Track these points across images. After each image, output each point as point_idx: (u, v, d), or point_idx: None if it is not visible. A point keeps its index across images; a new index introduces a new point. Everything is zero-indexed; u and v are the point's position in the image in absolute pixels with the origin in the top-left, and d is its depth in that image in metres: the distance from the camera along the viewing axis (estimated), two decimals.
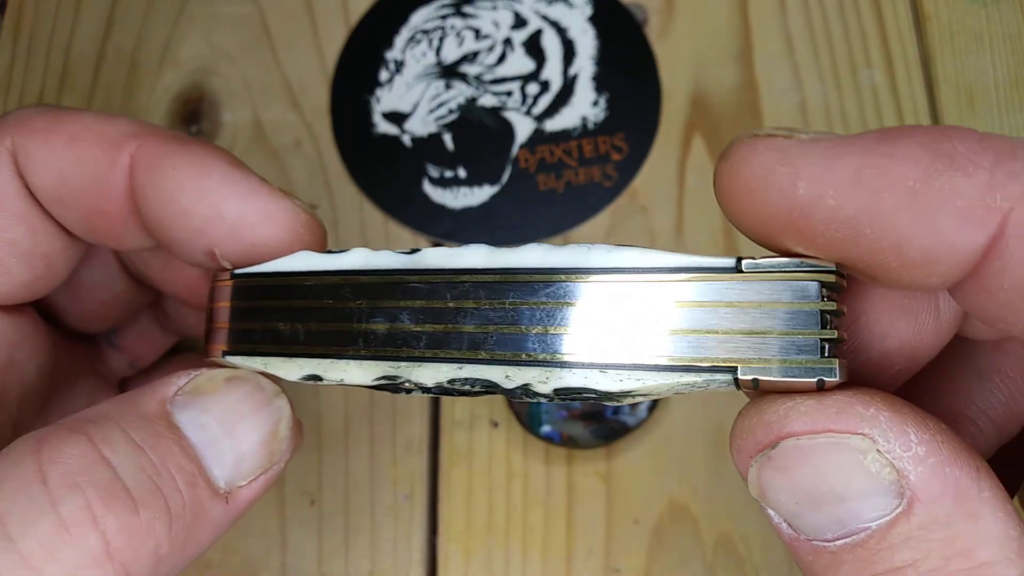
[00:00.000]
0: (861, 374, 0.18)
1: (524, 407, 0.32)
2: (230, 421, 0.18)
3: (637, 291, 0.16)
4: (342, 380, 0.18)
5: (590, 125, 0.36)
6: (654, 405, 0.32)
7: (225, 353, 0.19)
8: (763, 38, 0.37)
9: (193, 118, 0.37)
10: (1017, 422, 0.20)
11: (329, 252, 0.18)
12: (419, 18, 0.38)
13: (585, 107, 0.36)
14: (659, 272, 0.16)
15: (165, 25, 0.38)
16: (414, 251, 0.18)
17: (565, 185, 0.35)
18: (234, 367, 0.19)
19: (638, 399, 0.16)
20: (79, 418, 0.17)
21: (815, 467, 0.14)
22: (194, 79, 0.37)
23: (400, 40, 0.37)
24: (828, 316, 0.15)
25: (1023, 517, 0.15)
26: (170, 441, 0.17)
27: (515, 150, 0.36)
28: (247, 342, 0.19)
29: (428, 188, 0.36)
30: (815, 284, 0.15)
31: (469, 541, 0.31)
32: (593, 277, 0.16)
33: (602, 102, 0.36)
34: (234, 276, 0.19)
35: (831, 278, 0.15)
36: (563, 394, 0.16)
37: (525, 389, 0.16)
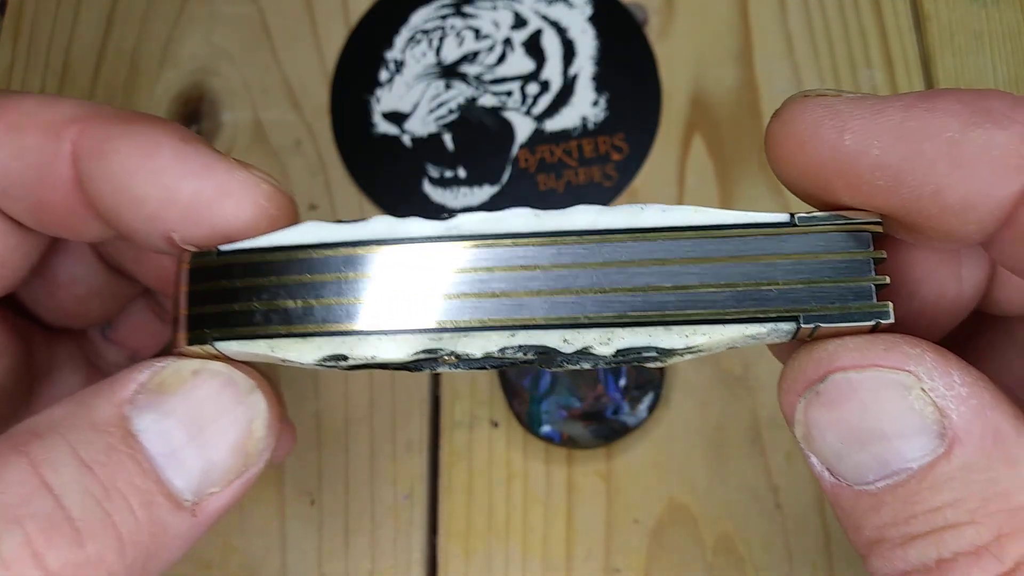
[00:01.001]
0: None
1: (524, 407, 0.32)
2: (197, 424, 0.17)
3: (694, 247, 0.16)
4: (373, 357, 0.17)
5: (590, 125, 0.36)
6: (654, 405, 0.32)
7: (215, 339, 0.17)
8: (763, 38, 0.37)
9: (193, 118, 0.37)
10: None
11: (341, 222, 0.17)
12: (419, 18, 0.38)
13: (585, 107, 0.36)
14: (715, 229, 0.16)
15: (165, 25, 0.38)
16: (447, 216, 0.17)
17: (565, 185, 0.35)
18: (208, 356, 0.17)
19: (698, 355, 0.16)
20: (28, 430, 0.16)
21: (861, 401, 0.15)
22: (194, 79, 0.37)
23: (400, 40, 0.37)
24: (877, 263, 0.16)
25: None
26: (124, 456, 0.16)
27: (515, 150, 0.36)
28: (244, 324, 0.17)
29: (428, 188, 0.36)
30: (866, 234, 0.16)
31: (469, 541, 0.31)
32: (650, 236, 0.16)
33: (602, 102, 0.36)
34: (221, 253, 0.17)
35: (878, 228, 0.16)
36: (624, 354, 0.16)
37: (584, 352, 0.16)
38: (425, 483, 0.32)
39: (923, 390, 0.15)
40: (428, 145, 0.36)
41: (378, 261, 0.17)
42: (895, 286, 0.17)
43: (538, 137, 0.36)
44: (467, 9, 0.38)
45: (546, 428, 0.32)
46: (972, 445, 0.14)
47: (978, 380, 0.15)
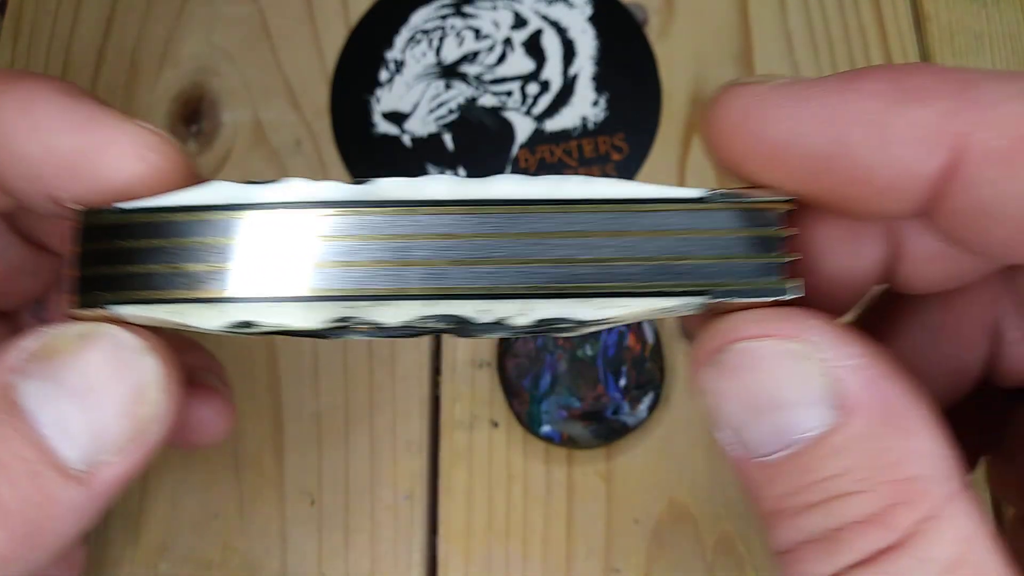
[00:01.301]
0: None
1: (524, 407, 0.32)
2: (84, 388, 0.16)
3: (612, 220, 0.16)
4: (282, 325, 0.16)
5: (590, 125, 0.36)
6: (654, 405, 0.32)
7: (109, 303, 0.16)
8: (763, 38, 0.37)
9: (193, 118, 0.37)
10: (967, 378, 0.21)
11: (251, 183, 0.16)
12: (419, 18, 0.38)
13: (585, 107, 0.36)
14: (634, 203, 0.16)
15: (165, 25, 0.38)
16: (363, 180, 0.16)
17: None
18: (97, 320, 0.16)
19: (612, 325, 0.17)
20: None
21: (759, 370, 0.15)
22: (194, 79, 0.37)
23: (400, 40, 0.37)
24: (786, 240, 0.16)
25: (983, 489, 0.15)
26: (6, 425, 0.15)
27: (515, 150, 0.36)
28: (143, 288, 0.16)
29: None
30: (776, 212, 0.16)
31: (469, 541, 0.31)
32: (569, 207, 0.16)
33: (602, 102, 0.36)
34: (119, 211, 0.16)
35: (789, 206, 0.16)
36: (539, 324, 0.16)
37: (499, 323, 0.16)
38: (425, 483, 0.32)
39: (819, 360, 0.15)
40: (428, 145, 0.36)
41: (289, 224, 0.16)
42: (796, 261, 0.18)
43: (538, 137, 0.36)
44: (467, 9, 0.38)
45: (546, 428, 0.32)
46: (864, 416, 0.15)
47: (873, 353, 0.15)
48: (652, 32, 0.37)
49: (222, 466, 0.32)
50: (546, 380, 0.32)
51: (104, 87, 0.37)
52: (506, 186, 0.16)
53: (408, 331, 0.16)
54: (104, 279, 0.16)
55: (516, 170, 0.36)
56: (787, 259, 0.16)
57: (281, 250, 0.16)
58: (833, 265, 0.18)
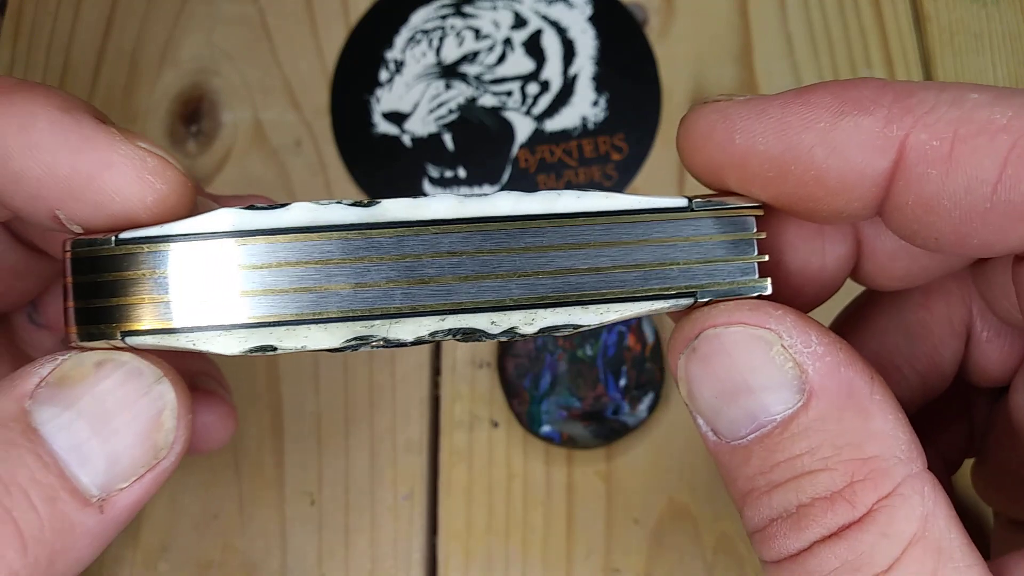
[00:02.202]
0: None
1: (524, 407, 0.32)
2: (101, 416, 0.16)
3: (605, 231, 0.17)
4: (303, 347, 0.16)
5: (590, 125, 0.36)
6: (654, 405, 0.32)
7: (124, 335, 0.16)
8: (763, 38, 0.37)
9: (193, 118, 0.37)
10: (940, 376, 0.22)
11: (255, 208, 0.16)
12: (419, 18, 0.38)
13: (585, 107, 0.36)
14: (624, 214, 0.17)
15: (165, 25, 0.38)
16: (370, 203, 0.16)
17: (565, 185, 0.35)
18: (112, 348, 0.16)
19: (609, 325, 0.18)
20: None
21: (729, 355, 0.17)
22: (194, 79, 0.37)
23: (400, 40, 0.37)
24: (759, 243, 0.18)
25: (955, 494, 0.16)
26: (24, 450, 0.15)
27: (515, 150, 0.36)
28: (158, 318, 0.16)
29: (428, 188, 0.36)
30: (752, 218, 0.18)
31: (469, 541, 0.31)
32: (566, 221, 0.17)
33: (602, 102, 0.36)
34: (120, 242, 0.16)
35: (758, 212, 0.18)
36: (545, 331, 0.17)
37: (510, 332, 0.17)
38: (425, 483, 0.32)
39: (783, 346, 0.16)
40: (428, 145, 0.36)
41: (300, 249, 0.16)
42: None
43: (538, 137, 0.36)
44: (467, 9, 0.38)
45: (546, 428, 0.32)
46: (827, 398, 0.16)
47: (835, 341, 0.16)
48: (652, 32, 0.37)
49: (222, 466, 0.32)
50: (546, 380, 0.32)
51: (104, 87, 0.37)
52: (505, 202, 0.17)
53: (422, 342, 0.17)
54: (117, 310, 0.16)
55: (516, 170, 0.36)
56: (760, 259, 0.18)
57: (291, 276, 0.16)
58: (801, 263, 0.19)
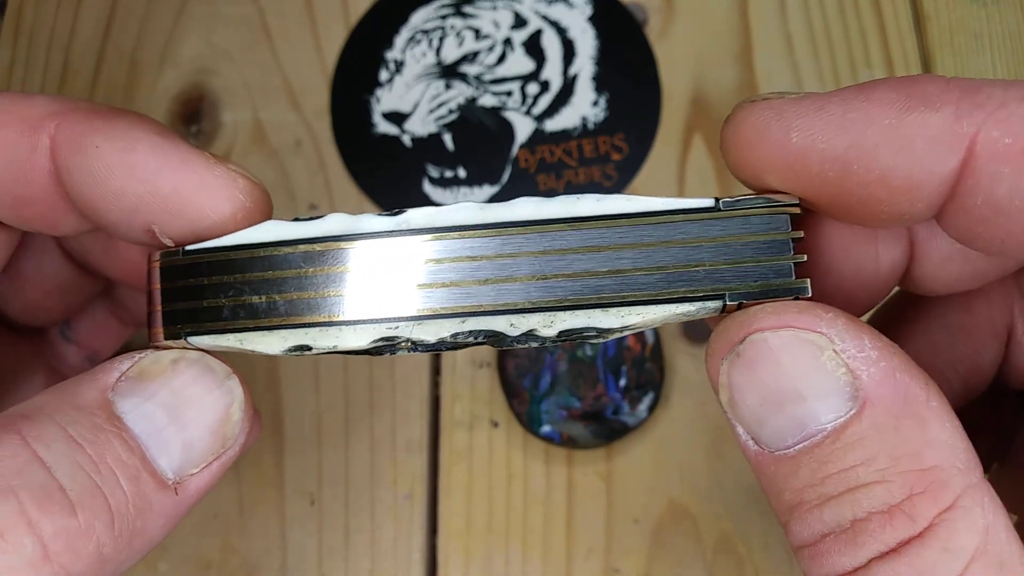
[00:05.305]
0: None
1: (524, 407, 0.32)
2: (177, 407, 0.18)
3: (626, 234, 0.17)
4: (335, 347, 0.18)
5: (590, 125, 0.36)
6: (654, 405, 0.32)
7: (187, 334, 0.18)
8: (763, 38, 0.37)
9: (193, 118, 0.37)
10: (981, 378, 0.21)
11: (298, 220, 0.18)
12: (419, 18, 0.38)
13: (585, 107, 0.36)
14: (646, 216, 0.17)
15: (165, 25, 0.38)
16: (397, 212, 0.18)
17: (565, 185, 0.35)
18: (182, 348, 0.18)
19: (635, 331, 0.18)
20: (14, 413, 0.17)
21: (777, 361, 0.16)
22: (194, 79, 0.37)
23: (400, 40, 0.37)
24: (795, 242, 0.17)
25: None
26: (110, 434, 0.17)
27: (515, 150, 0.36)
28: (214, 319, 0.18)
29: (428, 188, 0.36)
30: (786, 216, 0.17)
31: (469, 541, 0.31)
32: (586, 225, 0.17)
33: (602, 102, 0.36)
34: (186, 253, 0.18)
35: (796, 210, 0.17)
36: (567, 335, 0.17)
37: (529, 335, 0.17)
38: (425, 483, 0.32)
39: (835, 351, 0.15)
40: (428, 145, 0.36)
41: (335, 257, 0.18)
42: (814, 264, 0.18)
43: (538, 137, 0.36)
44: (467, 9, 0.38)
45: (546, 428, 0.32)
46: (882, 406, 0.15)
47: (888, 345, 0.16)
48: (652, 32, 0.37)
49: None
50: (546, 380, 0.32)
51: (104, 87, 0.37)
52: (525, 208, 0.17)
53: (447, 345, 0.18)
54: (182, 313, 0.18)
55: (516, 170, 0.36)
56: (797, 260, 0.17)
57: (331, 280, 0.18)
58: (853, 268, 0.19)
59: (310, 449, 0.33)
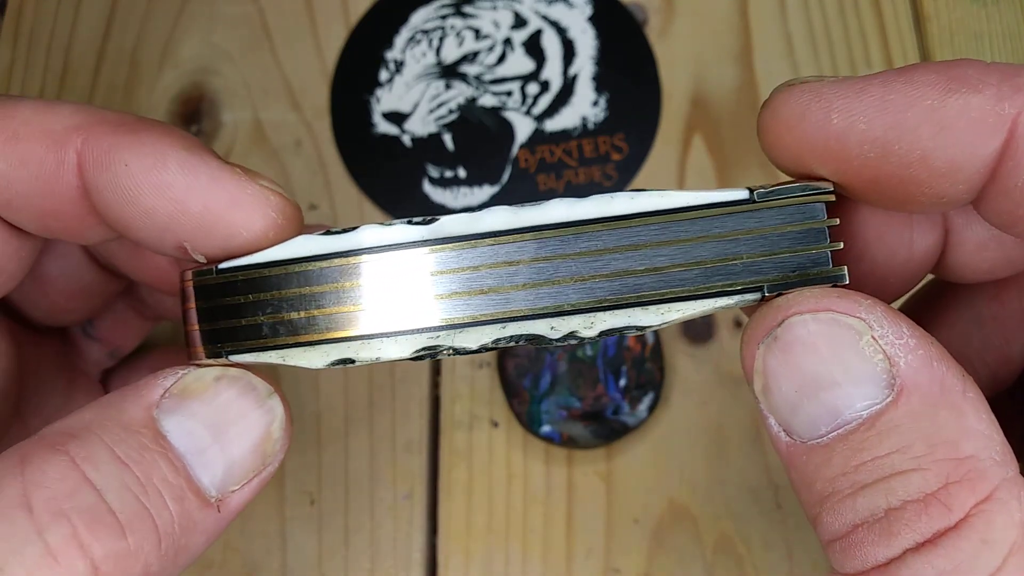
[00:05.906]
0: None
1: (524, 407, 0.32)
2: (220, 425, 0.18)
3: (662, 231, 0.17)
4: (377, 359, 0.18)
5: (590, 125, 0.36)
6: (654, 405, 0.32)
7: (228, 352, 0.18)
8: (763, 38, 0.37)
9: (193, 118, 0.37)
10: (1010, 369, 0.21)
11: (330, 233, 0.18)
12: (419, 18, 0.38)
13: (585, 107, 0.36)
14: (681, 211, 0.17)
15: (165, 25, 0.38)
16: (430, 220, 0.17)
17: (565, 185, 0.35)
18: (224, 365, 0.18)
19: (674, 323, 0.18)
20: (61, 431, 0.17)
21: (815, 345, 0.16)
22: (194, 79, 0.37)
23: (400, 40, 0.37)
24: (831, 230, 0.17)
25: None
26: (156, 454, 0.17)
27: (515, 150, 0.36)
28: (254, 337, 0.18)
29: (428, 188, 0.36)
30: (821, 204, 0.17)
31: (469, 541, 0.31)
32: (622, 224, 0.17)
33: (602, 102, 0.36)
34: (220, 272, 0.18)
35: (830, 197, 0.17)
36: (608, 333, 0.17)
37: (570, 336, 0.17)
38: (425, 483, 0.32)
39: (873, 337, 0.15)
40: (428, 145, 0.36)
41: (371, 269, 0.17)
42: (847, 251, 0.18)
43: (538, 137, 0.36)
44: (467, 9, 0.38)
45: (546, 428, 0.32)
46: (919, 394, 0.15)
47: (925, 335, 0.16)
48: (652, 32, 0.37)
49: None
50: (546, 380, 0.32)
51: (104, 87, 0.37)
52: (558, 210, 0.17)
53: (488, 349, 0.18)
54: (221, 331, 0.18)
55: (516, 170, 0.36)
56: (834, 248, 0.17)
57: (369, 292, 0.17)
58: (887, 254, 0.19)
59: (310, 449, 0.33)
